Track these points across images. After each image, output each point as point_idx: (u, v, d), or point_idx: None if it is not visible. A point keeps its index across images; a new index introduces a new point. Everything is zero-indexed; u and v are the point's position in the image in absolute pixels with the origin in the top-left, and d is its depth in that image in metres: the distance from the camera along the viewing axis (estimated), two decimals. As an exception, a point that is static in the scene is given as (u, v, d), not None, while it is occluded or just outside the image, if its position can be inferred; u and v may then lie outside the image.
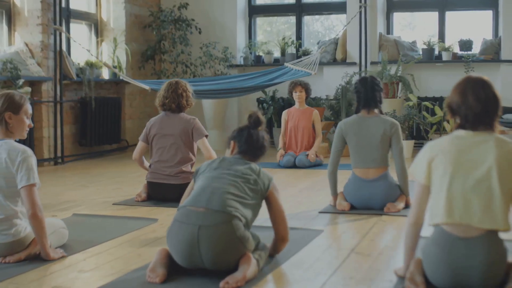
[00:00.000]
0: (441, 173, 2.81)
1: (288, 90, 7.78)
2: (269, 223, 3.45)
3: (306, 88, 7.70)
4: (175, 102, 5.25)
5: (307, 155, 7.41)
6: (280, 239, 3.41)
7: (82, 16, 8.94)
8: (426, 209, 2.91)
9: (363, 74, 9.21)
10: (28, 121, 3.59)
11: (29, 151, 3.48)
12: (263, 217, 3.63)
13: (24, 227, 3.49)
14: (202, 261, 3.08)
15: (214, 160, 3.45)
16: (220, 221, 3.06)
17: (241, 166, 3.34)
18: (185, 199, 3.38)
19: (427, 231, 3.02)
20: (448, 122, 8.48)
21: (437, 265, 2.78)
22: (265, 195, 3.32)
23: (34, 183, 3.41)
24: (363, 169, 4.84)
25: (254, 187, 3.27)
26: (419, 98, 8.76)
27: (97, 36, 9.22)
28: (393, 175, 4.93)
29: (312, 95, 8.86)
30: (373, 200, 4.79)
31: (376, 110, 4.93)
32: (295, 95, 7.67)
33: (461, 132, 2.88)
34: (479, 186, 2.75)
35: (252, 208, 3.24)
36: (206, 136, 5.27)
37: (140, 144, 5.39)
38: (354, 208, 4.86)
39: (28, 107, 3.59)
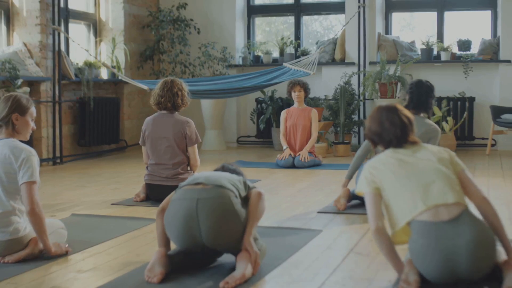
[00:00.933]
0: (392, 178, 2.98)
1: (287, 90, 7.78)
2: (265, 223, 3.44)
3: (305, 88, 7.70)
4: (170, 101, 5.21)
5: (300, 155, 7.40)
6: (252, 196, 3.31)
7: (80, 16, 8.93)
8: (381, 213, 2.98)
9: (363, 74, 9.22)
10: (32, 124, 3.66)
11: (33, 151, 3.56)
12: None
13: (23, 227, 3.50)
14: (201, 235, 3.10)
15: None
16: (218, 195, 3.13)
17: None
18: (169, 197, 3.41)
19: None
20: (447, 122, 8.49)
21: (427, 256, 2.80)
22: (247, 192, 3.31)
23: (35, 181, 3.46)
24: None
25: (242, 186, 3.31)
26: (417, 98, 8.76)
27: (95, 36, 9.22)
28: None
29: (311, 95, 8.87)
30: None
31: (422, 114, 4.95)
32: (294, 95, 7.67)
33: (393, 149, 3.11)
34: (435, 173, 2.94)
35: (244, 202, 3.25)
36: (199, 142, 5.27)
37: (143, 149, 5.38)
38: (351, 207, 4.87)
39: (34, 110, 3.68)
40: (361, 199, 5.07)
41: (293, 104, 7.88)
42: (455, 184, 2.94)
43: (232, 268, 3.19)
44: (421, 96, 4.88)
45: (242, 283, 3.00)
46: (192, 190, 3.19)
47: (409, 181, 2.93)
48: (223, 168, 3.56)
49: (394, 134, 3.09)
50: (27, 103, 3.61)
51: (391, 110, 3.14)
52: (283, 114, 7.80)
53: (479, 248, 2.75)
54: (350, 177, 5.05)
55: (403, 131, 3.10)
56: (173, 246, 3.34)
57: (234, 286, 2.96)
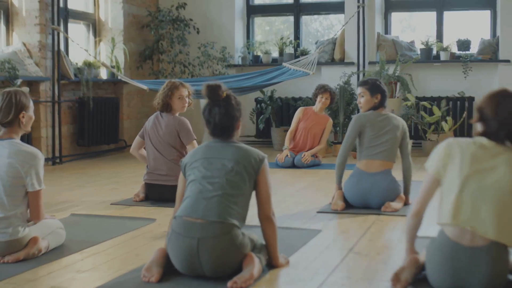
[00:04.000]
0: (456, 174, 2.77)
1: (315, 92, 7.65)
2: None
3: (332, 98, 7.63)
4: (164, 103, 5.25)
5: (303, 156, 7.38)
6: (263, 218, 3.25)
7: (80, 16, 8.93)
8: (430, 201, 2.89)
9: (360, 75, 9.21)
10: (33, 115, 3.69)
11: (39, 154, 3.56)
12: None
13: (23, 228, 3.50)
14: (203, 270, 3.08)
15: (197, 149, 3.32)
16: (219, 232, 3.04)
17: (229, 150, 3.24)
18: (179, 198, 3.34)
19: (433, 230, 3.01)
20: (446, 122, 8.49)
21: (439, 271, 2.77)
22: (255, 177, 3.22)
23: (41, 189, 3.55)
24: (369, 161, 4.87)
25: (246, 172, 3.18)
26: (417, 98, 8.77)
27: (95, 36, 9.22)
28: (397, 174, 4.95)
29: (309, 95, 8.85)
30: (371, 195, 4.79)
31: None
32: (321, 99, 7.55)
33: (484, 140, 2.83)
34: (491, 195, 2.72)
35: (247, 195, 3.20)
36: (195, 139, 5.26)
37: (137, 139, 5.41)
38: (350, 207, 4.87)
39: (32, 102, 3.68)
40: None
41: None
42: (507, 218, 2.71)
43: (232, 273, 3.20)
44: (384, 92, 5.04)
45: (251, 283, 2.99)
46: (193, 226, 3.06)
47: (465, 189, 2.74)
48: (226, 104, 3.27)
49: (504, 126, 2.78)
50: (27, 98, 3.62)
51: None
52: (300, 112, 7.70)
53: (494, 280, 2.70)
54: (340, 184, 5.04)
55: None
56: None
57: (244, 286, 2.95)
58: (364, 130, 4.95)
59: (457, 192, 2.75)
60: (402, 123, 4.99)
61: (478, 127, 2.87)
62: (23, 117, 3.57)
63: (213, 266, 3.05)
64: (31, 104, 3.64)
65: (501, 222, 2.69)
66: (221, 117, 3.25)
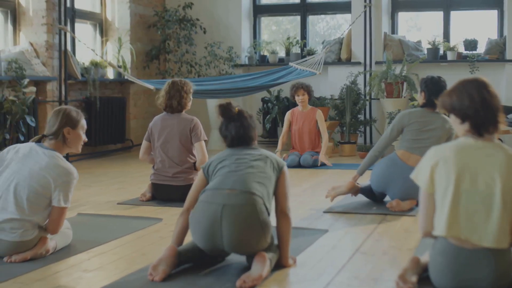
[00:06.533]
0: (445, 184, 2.74)
1: (290, 94, 7.64)
2: (275, 223, 3.43)
3: (308, 91, 7.59)
4: (168, 103, 5.24)
5: (312, 155, 7.37)
6: (280, 213, 3.33)
7: (87, 15, 8.95)
8: (434, 215, 2.81)
9: (369, 74, 9.20)
10: (83, 136, 3.72)
11: (75, 173, 3.59)
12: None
13: (33, 231, 3.50)
14: (222, 241, 3.11)
15: (221, 152, 3.46)
16: (245, 202, 3.12)
17: (253, 150, 3.40)
18: (192, 195, 3.39)
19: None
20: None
21: (442, 274, 2.76)
22: (277, 175, 3.33)
23: (67, 207, 3.57)
24: (407, 153, 4.85)
25: (270, 167, 3.31)
26: (423, 97, 8.75)
27: (101, 36, 9.23)
28: None
29: (317, 95, 8.85)
30: (394, 184, 4.77)
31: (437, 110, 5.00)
32: (298, 99, 7.55)
33: (470, 141, 2.78)
34: (482, 200, 2.69)
35: (271, 185, 3.28)
36: (205, 140, 5.25)
37: (144, 144, 5.38)
38: (354, 207, 4.87)
39: (84, 122, 3.73)
40: (368, 195, 5.07)
41: (297, 105, 7.83)
42: (505, 224, 2.67)
43: (241, 268, 3.19)
44: (440, 92, 4.90)
45: (259, 283, 3.00)
46: (220, 194, 3.16)
47: (458, 199, 2.70)
48: (240, 119, 3.41)
49: (476, 107, 2.72)
50: (77, 116, 3.67)
51: (481, 84, 2.78)
52: (288, 115, 7.71)
53: (499, 281, 2.68)
54: (361, 173, 5.03)
55: (487, 111, 2.73)
56: (186, 242, 3.36)
57: (252, 286, 2.95)
58: (407, 126, 4.94)
59: (450, 202, 2.71)
60: (450, 125, 4.86)
61: (463, 126, 2.80)
62: (68, 133, 3.61)
63: (234, 236, 3.08)
64: (82, 123, 3.68)
65: (496, 229, 2.66)
66: (237, 130, 3.41)
